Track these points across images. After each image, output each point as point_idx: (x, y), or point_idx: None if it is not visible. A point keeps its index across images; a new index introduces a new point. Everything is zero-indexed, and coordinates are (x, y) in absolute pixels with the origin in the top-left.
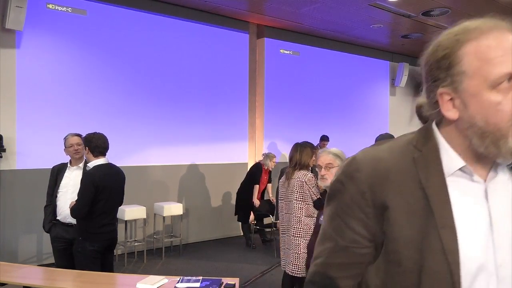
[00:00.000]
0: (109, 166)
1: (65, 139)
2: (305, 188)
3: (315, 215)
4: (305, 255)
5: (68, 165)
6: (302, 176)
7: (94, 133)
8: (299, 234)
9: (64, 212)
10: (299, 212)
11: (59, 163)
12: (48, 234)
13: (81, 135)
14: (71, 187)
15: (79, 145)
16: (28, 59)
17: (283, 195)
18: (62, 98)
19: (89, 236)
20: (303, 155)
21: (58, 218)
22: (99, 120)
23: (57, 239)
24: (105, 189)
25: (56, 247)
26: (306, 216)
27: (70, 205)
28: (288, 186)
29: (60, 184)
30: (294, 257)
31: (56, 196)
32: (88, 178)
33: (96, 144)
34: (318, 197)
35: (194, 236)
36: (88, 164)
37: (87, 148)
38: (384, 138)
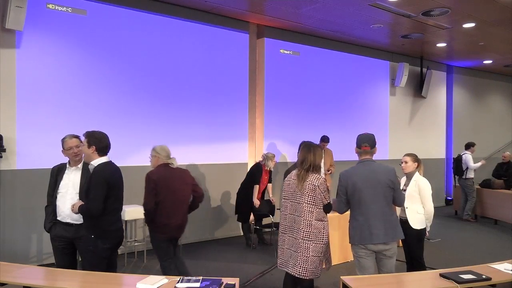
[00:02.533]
0: (112, 163)
1: (63, 141)
2: (317, 192)
3: (325, 219)
4: (314, 258)
5: (67, 165)
6: (314, 179)
7: (99, 132)
8: (309, 238)
9: (63, 212)
10: (309, 216)
11: (59, 163)
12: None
13: (79, 136)
14: (71, 188)
15: (78, 147)
16: (28, 59)
17: (289, 196)
18: (62, 98)
19: (103, 234)
20: (316, 156)
21: (58, 218)
22: (99, 120)
23: (57, 238)
24: (114, 186)
25: (56, 246)
26: (317, 220)
27: (73, 206)
28: (301, 189)
29: (60, 185)
30: (302, 260)
31: (55, 197)
32: (100, 175)
33: (105, 144)
34: (328, 201)
35: (194, 236)
36: (92, 163)
37: (94, 146)
38: (365, 137)
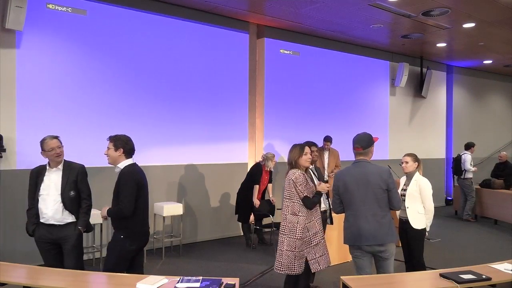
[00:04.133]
0: (137, 165)
1: (43, 142)
2: (291, 186)
3: (300, 213)
4: (288, 253)
5: (47, 167)
6: (291, 174)
7: (124, 135)
8: (284, 232)
9: (46, 214)
10: (285, 210)
11: (38, 165)
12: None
13: (58, 137)
14: (53, 189)
15: (60, 147)
16: (28, 59)
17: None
18: (62, 98)
19: (132, 235)
20: (290, 154)
21: (41, 220)
22: (99, 120)
23: (41, 240)
24: (143, 186)
25: (42, 248)
26: (291, 214)
27: (103, 211)
28: (284, 185)
29: (41, 187)
30: (278, 254)
31: (37, 199)
32: (129, 176)
33: (131, 146)
34: (304, 195)
35: (194, 236)
36: (118, 165)
37: (121, 149)
38: (358, 138)
